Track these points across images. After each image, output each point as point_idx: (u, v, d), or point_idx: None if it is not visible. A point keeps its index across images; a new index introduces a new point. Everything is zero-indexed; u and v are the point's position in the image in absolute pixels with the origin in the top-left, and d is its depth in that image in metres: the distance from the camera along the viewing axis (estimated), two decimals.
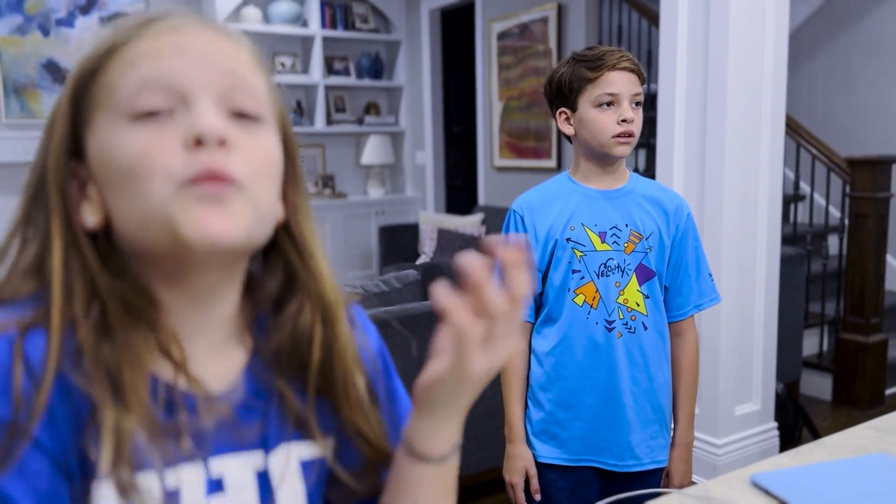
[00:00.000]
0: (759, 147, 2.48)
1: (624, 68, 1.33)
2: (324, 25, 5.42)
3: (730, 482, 0.93)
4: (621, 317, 1.39)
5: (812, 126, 4.01)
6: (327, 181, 5.52)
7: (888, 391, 3.41)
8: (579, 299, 1.39)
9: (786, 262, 2.78)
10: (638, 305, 1.40)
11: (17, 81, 4.68)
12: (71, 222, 0.55)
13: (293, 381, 0.62)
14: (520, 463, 1.44)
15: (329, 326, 0.62)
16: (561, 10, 4.35)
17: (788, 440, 2.80)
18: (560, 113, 1.42)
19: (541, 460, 1.44)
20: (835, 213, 4.12)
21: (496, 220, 4.54)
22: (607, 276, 1.39)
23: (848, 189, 3.29)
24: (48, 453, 0.51)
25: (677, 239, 1.42)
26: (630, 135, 1.35)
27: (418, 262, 4.64)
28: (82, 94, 0.55)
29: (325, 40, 5.44)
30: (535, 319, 1.46)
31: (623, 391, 1.40)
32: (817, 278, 3.55)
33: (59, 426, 0.52)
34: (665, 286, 1.44)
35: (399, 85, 5.81)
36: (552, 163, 4.54)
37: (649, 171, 3.96)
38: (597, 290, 1.39)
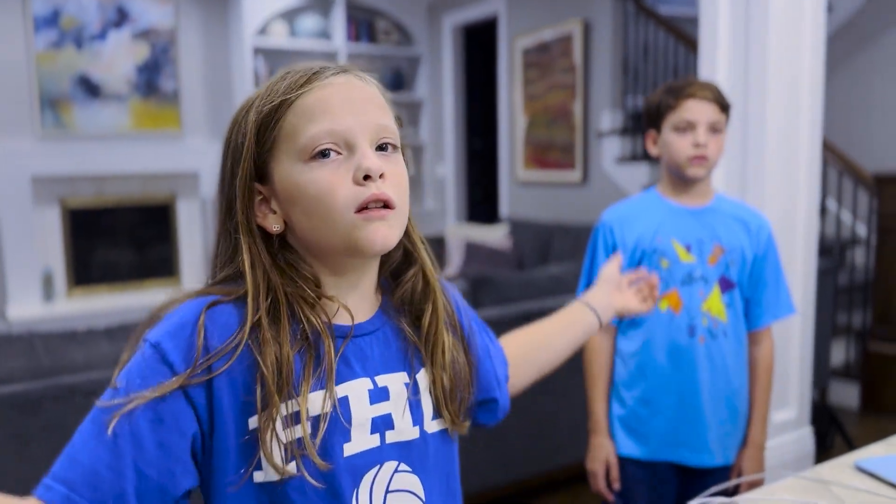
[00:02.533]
0: (797, 164, 2.57)
1: (702, 97, 1.46)
2: (348, 38, 5.54)
3: (835, 468, 1.01)
4: (704, 323, 1.49)
5: (834, 140, 4.11)
6: None
7: None
8: (663, 305, 1.49)
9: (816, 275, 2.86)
10: (720, 314, 1.50)
11: (52, 95, 4.79)
12: (252, 230, 0.74)
13: (410, 326, 0.81)
14: (602, 453, 1.54)
15: (431, 289, 0.82)
16: (587, 27, 4.46)
17: (821, 446, 2.88)
18: (648, 134, 1.56)
19: (622, 454, 1.53)
20: (858, 225, 4.22)
21: (521, 231, 4.63)
22: (691, 284, 1.49)
23: (875, 204, 3.38)
24: (195, 406, 0.69)
25: (759, 256, 1.53)
26: (703, 157, 1.46)
27: (446, 273, 4.72)
28: (264, 136, 0.73)
29: (350, 55, 5.56)
30: (619, 322, 1.55)
31: (702, 392, 1.49)
32: (843, 290, 3.64)
33: (230, 384, 0.70)
34: (746, 298, 1.54)
35: (420, 99, 5.93)
36: (577, 175, 4.63)
37: None
38: (680, 298, 1.48)
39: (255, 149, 0.73)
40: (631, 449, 1.53)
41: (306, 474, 0.70)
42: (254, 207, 0.74)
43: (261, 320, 0.71)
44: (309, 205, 0.71)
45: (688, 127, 1.46)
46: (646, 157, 4.29)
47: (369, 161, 0.70)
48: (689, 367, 1.49)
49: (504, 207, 5.32)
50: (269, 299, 0.72)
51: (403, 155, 0.78)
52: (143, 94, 5.07)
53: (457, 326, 0.85)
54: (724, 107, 1.49)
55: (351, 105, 0.71)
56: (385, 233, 0.71)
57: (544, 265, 4.27)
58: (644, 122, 1.57)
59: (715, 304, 1.49)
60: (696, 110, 1.46)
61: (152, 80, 5.10)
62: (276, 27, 5.28)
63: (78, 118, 4.89)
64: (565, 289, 2.79)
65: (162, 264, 5.28)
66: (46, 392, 1.76)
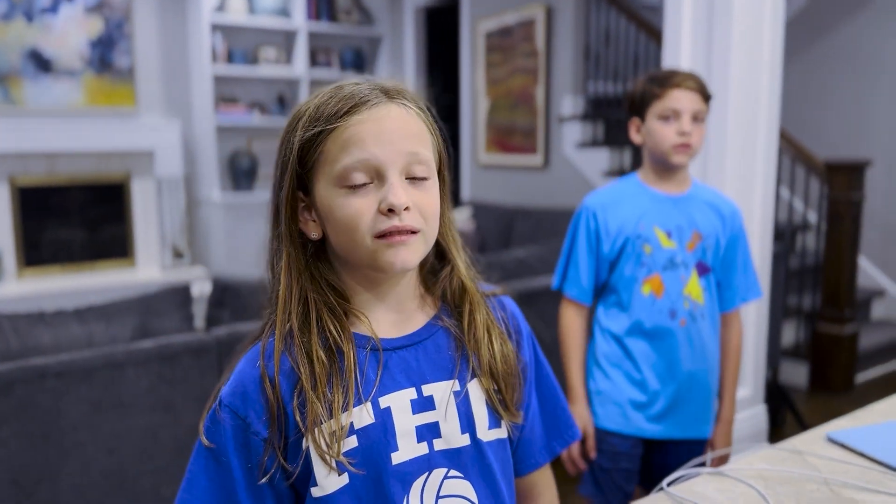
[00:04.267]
0: (755, 152, 2.65)
1: (687, 87, 1.51)
2: (308, 17, 5.47)
3: (809, 440, 1.07)
4: (686, 307, 1.56)
5: (788, 129, 4.24)
6: None
7: (858, 378, 3.65)
8: (646, 289, 1.56)
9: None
10: (698, 297, 1.57)
11: (0, 69, 4.62)
12: (293, 239, 0.79)
13: (457, 328, 0.84)
14: (580, 423, 1.59)
15: (466, 288, 0.85)
16: (549, 12, 4.50)
17: (773, 423, 3.00)
18: (631, 123, 1.60)
19: (602, 426, 1.59)
20: (809, 212, 4.37)
21: (483, 215, 4.67)
22: (673, 270, 1.55)
23: (826, 191, 3.51)
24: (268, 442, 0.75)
25: (731, 241, 1.61)
26: (687, 145, 1.52)
27: None
28: (306, 156, 0.78)
29: (310, 34, 5.50)
30: (602, 301, 1.63)
31: (682, 372, 1.57)
32: (794, 273, 3.78)
33: (279, 403, 0.75)
34: (718, 281, 1.62)
35: None
36: (538, 159, 4.68)
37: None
38: (662, 282, 1.55)
39: (297, 166, 0.78)
40: (610, 422, 1.59)
41: (354, 471, 0.75)
42: (297, 216, 0.80)
43: (293, 328, 0.77)
44: (338, 225, 0.77)
45: (673, 115, 1.51)
46: (607, 142, 4.36)
47: (394, 196, 0.74)
48: (671, 348, 1.56)
49: (466, 191, 5.35)
50: (300, 306, 0.78)
51: (443, 174, 0.82)
52: (96, 69, 4.93)
53: (511, 333, 0.88)
54: (706, 97, 1.54)
55: (384, 136, 0.75)
56: (404, 256, 0.76)
57: (507, 248, 4.32)
58: (627, 111, 1.62)
59: (694, 288, 1.56)
60: (682, 99, 1.51)
61: (106, 55, 4.96)
62: (235, 3, 5.19)
63: (28, 94, 4.73)
64: (529, 271, 2.84)
65: (116, 244, 5.17)
66: (16, 374, 1.73)
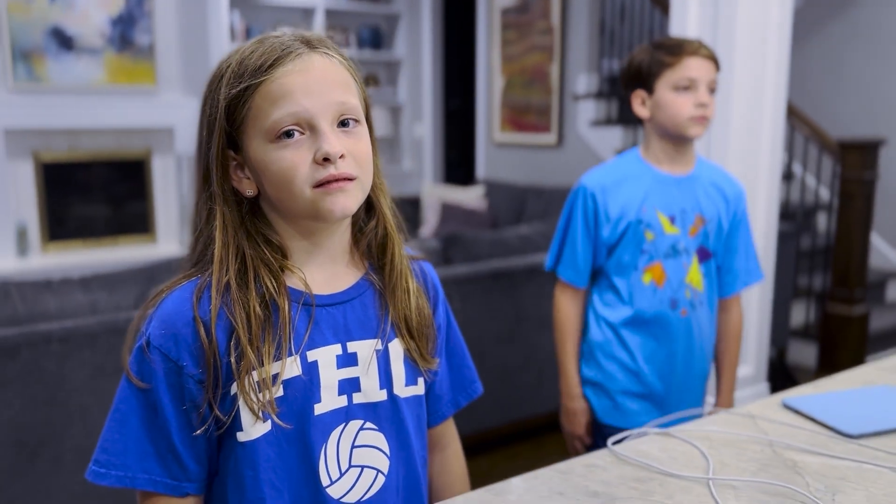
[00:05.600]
0: (760, 130, 2.63)
1: (703, 55, 1.43)
2: None
3: (764, 405, 1.09)
4: (687, 296, 1.49)
5: (803, 107, 4.18)
6: None
7: (869, 359, 3.62)
8: (646, 278, 1.48)
9: (777, 238, 2.95)
10: (698, 285, 1.50)
11: (24, 47, 4.72)
12: (226, 197, 0.80)
13: (379, 281, 0.87)
14: (582, 417, 1.57)
15: (390, 239, 0.88)
16: None
17: None
18: (636, 96, 1.50)
19: (599, 419, 1.56)
20: (822, 190, 4.32)
21: (497, 193, 4.68)
22: (675, 257, 1.48)
23: (839, 170, 3.47)
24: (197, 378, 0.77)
25: (733, 224, 1.54)
26: (705, 117, 1.43)
27: (422, 233, 4.77)
28: (234, 113, 0.78)
29: (327, 11, 5.52)
30: (597, 287, 1.57)
31: (679, 362, 1.52)
32: (805, 253, 3.75)
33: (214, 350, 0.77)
34: (718, 265, 1.55)
35: (398, 58, 5.91)
36: (552, 137, 4.68)
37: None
38: (664, 271, 1.48)
39: (226, 124, 0.79)
40: (606, 416, 1.55)
41: (278, 423, 0.78)
42: (229, 174, 0.80)
43: (230, 283, 0.78)
44: (274, 179, 0.77)
45: (690, 85, 1.42)
46: (620, 120, 4.34)
47: (328, 144, 0.75)
48: (671, 339, 1.50)
49: (480, 169, 5.36)
50: (238, 262, 0.79)
51: (369, 120, 0.83)
52: (117, 47, 5.01)
53: (429, 296, 0.92)
54: (718, 66, 1.46)
55: (312, 87, 0.76)
56: (344, 203, 0.77)
57: (517, 226, 4.34)
58: (629, 82, 1.52)
59: (695, 275, 1.50)
60: (698, 68, 1.42)
61: (127, 33, 5.03)
62: None
63: (51, 71, 4.82)
64: (534, 248, 2.86)
65: (137, 220, 5.27)
66: (22, 338, 1.80)
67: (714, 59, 1.45)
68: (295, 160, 0.76)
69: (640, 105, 1.50)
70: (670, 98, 1.43)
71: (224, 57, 0.81)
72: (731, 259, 1.56)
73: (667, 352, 1.51)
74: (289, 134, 0.76)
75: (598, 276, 1.57)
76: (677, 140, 1.47)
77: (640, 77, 1.48)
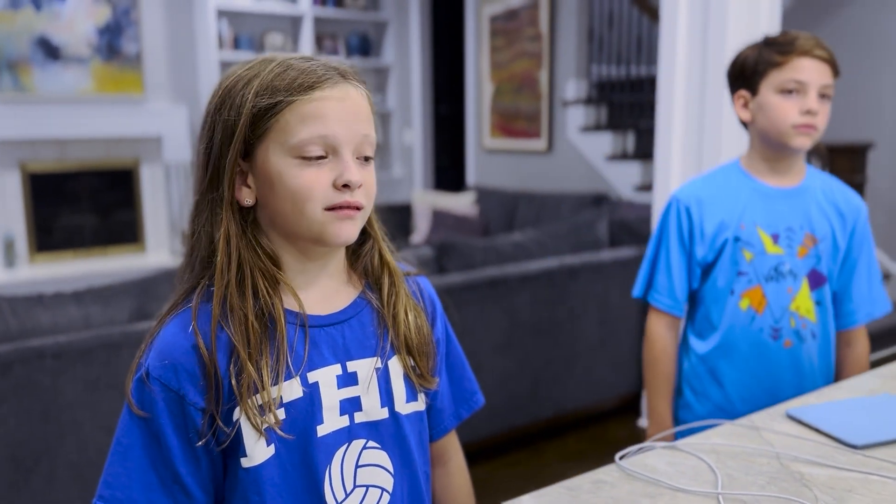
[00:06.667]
0: None
1: (816, 56, 1.27)
2: (314, 2, 5.48)
3: (767, 416, 1.09)
4: (792, 325, 1.32)
5: None
6: None
7: None
8: (744, 303, 1.32)
9: None
10: (808, 313, 1.33)
11: (10, 57, 4.68)
12: (233, 205, 0.80)
13: (378, 301, 0.88)
14: None
15: (386, 262, 0.89)
16: None
17: None
18: (738, 96, 1.35)
19: None
20: None
21: (487, 199, 4.68)
22: (777, 280, 1.31)
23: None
24: (200, 407, 0.77)
25: (851, 242, 1.36)
26: (812, 126, 1.27)
27: (413, 240, 4.76)
28: (258, 123, 0.78)
29: (316, 19, 5.52)
30: (688, 315, 1.42)
31: (784, 399, 1.31)
32: None
33: (216, 373, 0.76)
34: (835, 292, 1.37)
35: (387, 65, 5.91)
36: (542, 143, 4.69)
37: (640, 153, 4.13)
38: (764, 295, 1.31)
39: (247, 132, 0.79)
40: None
41: (281, 434, 0.78)
42: (234, 181, 0.80)
43: (229, 293, 0.78)
44: (286, 194, 0.78)
45: (798, 89, 1.27)
46: (610, 126, 4.35)
47: (351, 174, 0.78)
48: (772, 374, 1.33)
49: (471, 175, 5.37)
50: (236, 270, 0.79)
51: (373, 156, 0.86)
52: (104, 56, 4.98)
53: (427, 311, 0.92)
54: (836, 70, 1.30)
55: (344, 115, 0.79)
56: (349, 230, 0.80)
57: (510, 233, 4.34)
58: (733, 81, 1.37)
59: (804, 302, 1.32)
60: (808, 70, 1.26)
61: (114, 42, 5.01)
62: None
63: (38, 81, 4.79)
64: (528, 255, 2.86)
65: (126, 230, 5.23)
66: (15, 354, 1.78)
67: (830, 62, 1.29)
68: (313, 180, 0.77)
69: (741, 107, 1.35)
70: (774, 101, 1.28)
71: (238, 68, 0.82)
72: (850, 284, 1.37)
73: (767, 388, 1.34)
74: (312, 156, 0.78)
75: (689, 303, 1.41)
76: (780, 149, 1.32)
77: (743, 75, 1.33)
